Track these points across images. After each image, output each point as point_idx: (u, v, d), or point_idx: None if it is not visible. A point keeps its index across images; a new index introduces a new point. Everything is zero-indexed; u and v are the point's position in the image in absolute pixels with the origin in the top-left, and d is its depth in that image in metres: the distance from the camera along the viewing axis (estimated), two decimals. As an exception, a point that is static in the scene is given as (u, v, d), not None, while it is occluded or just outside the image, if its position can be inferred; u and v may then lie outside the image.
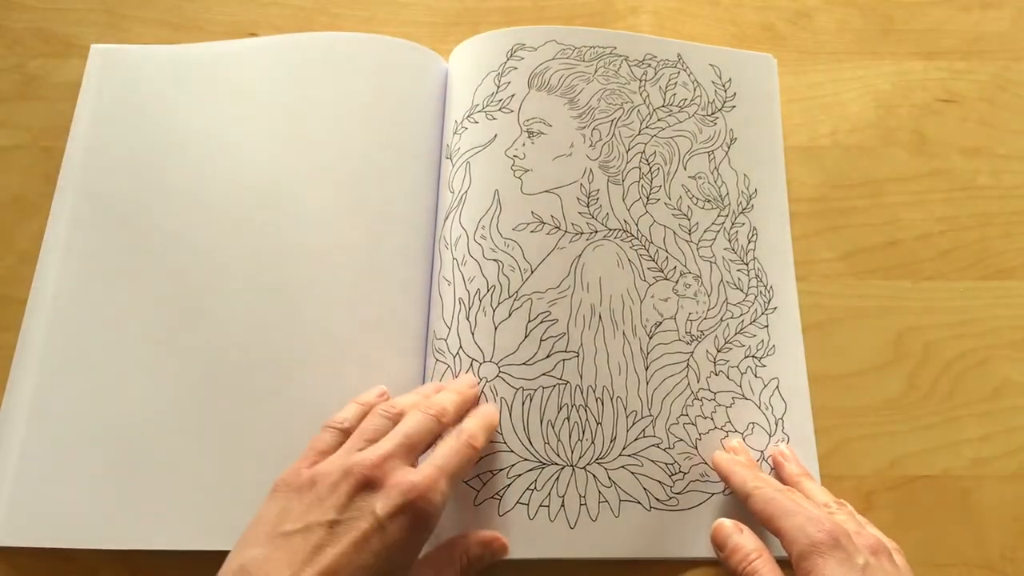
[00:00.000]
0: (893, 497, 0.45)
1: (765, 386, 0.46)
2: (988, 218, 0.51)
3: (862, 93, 0.54)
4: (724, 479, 0.43)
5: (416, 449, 0.38)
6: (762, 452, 0.45)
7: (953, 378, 0.47)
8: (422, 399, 0.42)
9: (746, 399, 0.46)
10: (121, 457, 0.43)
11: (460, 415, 0.42)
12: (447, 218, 0.48)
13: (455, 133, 0.50)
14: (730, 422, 0.45)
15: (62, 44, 0.55)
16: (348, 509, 0.34)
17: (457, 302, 0.46)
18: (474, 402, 0.43)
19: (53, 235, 0.49)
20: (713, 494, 0.44)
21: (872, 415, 0.46)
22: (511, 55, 0.51)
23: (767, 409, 0.46)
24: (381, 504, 0.34)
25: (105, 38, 0.55)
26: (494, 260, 0.46)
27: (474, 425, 0.40)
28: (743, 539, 0.38)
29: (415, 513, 0.35)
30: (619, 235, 0.48)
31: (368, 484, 0.35)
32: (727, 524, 0.39)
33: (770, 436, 0.45)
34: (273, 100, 0.51)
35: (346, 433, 0.40)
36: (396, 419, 0.40)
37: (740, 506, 0.41)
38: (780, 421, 0.45)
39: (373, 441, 0.38)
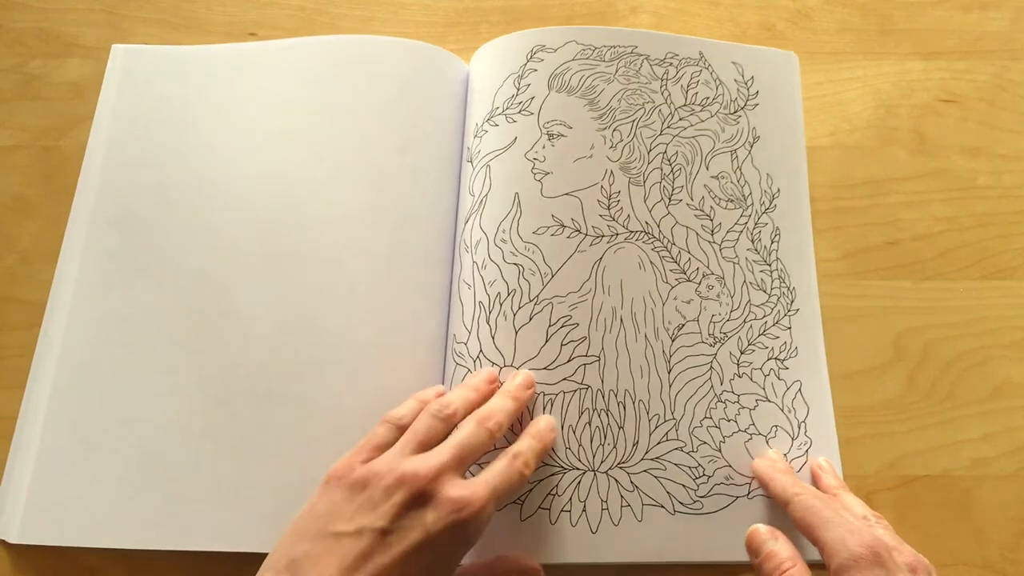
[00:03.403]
0: (893, 497, 0.45)
1: (788, 388, 0.46)
2: (988, 218, 0.51)
3: (862, 93, 0.54)
4: (764, 485, 0.42)
5: (467, 461, 0.38)
6: (785, 455, 0.44)
7: (953, 378, 0.47)
8: (475, 395, 0.42)
9: (769, 401, 0.45)
10: (139, 458, 0.43)
11: (512, 424, 0.42)
12: (467, 222, 0.47)
13: (475, 136, 0.49)
14: (754, 425, 0.45)
15: (62, 44, 0.55)
16: (400, 519, 0.35)
17: (477, 306, 0.45)
18: (529, 403, 0.43)
19: (73, 235, 0.49)
20: (738, 497, 0.43)
21: (872, 415, 0.46)
22: (531, 56, 0.50)
23: (790, 412, 0.45)
24: (432, 518, 0.35)
25: (105, 38, 0.55)
26: (514, 264, 0.46)
27: (528, 450, 0.40)
28: (778, 546, 0.37)
29: (463, 530, 0.35)
30: (640, 237, 0.47)
31: (421, 496, 0.36)
32: (762, 530, 0.38)
33: (793, 439, 0.45)
34: (295, 102, 0.50)
35: (403, 430, 0.40)
36: (448, 420, 0.40)
37: (766, 509, 0.42)
38: (803, 424, 0.45)
39: (425, 443, 0.39)
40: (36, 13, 0.56)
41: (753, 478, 0.44)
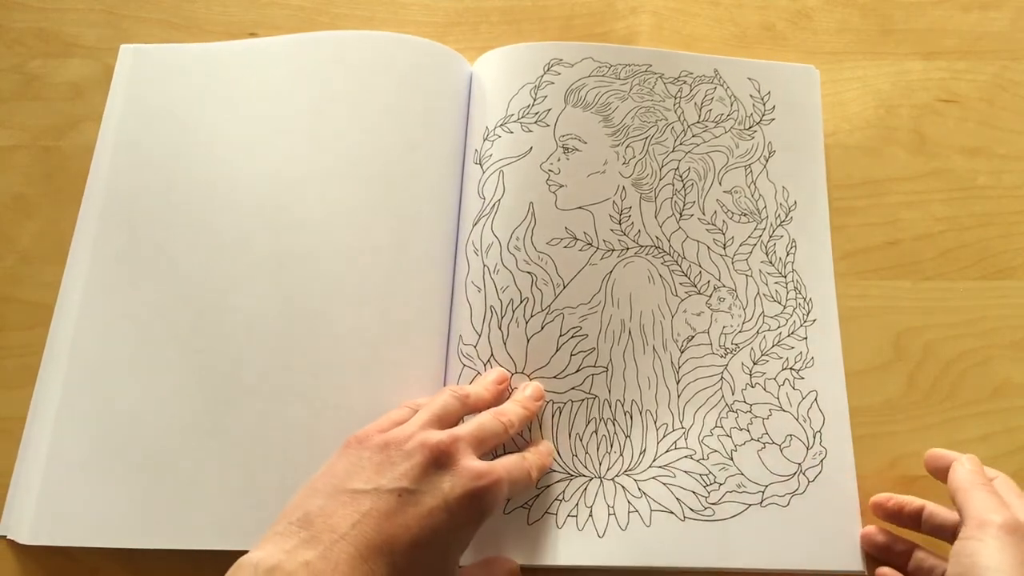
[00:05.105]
0: (893, 497, 0.45)
1: (803, 398, 0.46)
2: (988, 218, 0.51)
3: (862, 93, 0.54)
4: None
5: (484, 445, 0.39)
6: (799, 464, 0.44)
7: (953, 378, 0.47)
8: (487, 393, 0.43)
9: (784, 411, 0.46)
10: (147, 458, 0.43)
11: (520, 431, 0.43)
12: (476, 223, 0.48)
13: (486, 139, 0.50)
14: (767, 433, 0.45)
15: (62, 44, 0.55)
16: (419, 482, 0.35)
17: (488, 310, 0.46)
18: (538, 413, 0.44)
19: (81, 236, 0.49)
20: (750, 505, 0.44)
21: (872, 415, 0.46)
22: (548, 69, 0.51)
23: (805, 421, 0.45)
24: (450, 485, 0.35)
25: (105, 38, 0.55)
26: (528, 272, 0.46)
27: (533, 461, 0.41)
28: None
29: (479, 501, 0.35)
30: (650, 251, 0.48)
31: (440, 460, 0.36)
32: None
33: (808, 449, 0.45)
34: (300, 99, 0.51)
35: None
36: (464, 401, 0.41)
37: (779, 517, 0.42)
38: (818, 434, 0.45)
39: (442, 418, 0.39)
40: (36, 13, 0.56)
41: (766, 485, 0.44)
